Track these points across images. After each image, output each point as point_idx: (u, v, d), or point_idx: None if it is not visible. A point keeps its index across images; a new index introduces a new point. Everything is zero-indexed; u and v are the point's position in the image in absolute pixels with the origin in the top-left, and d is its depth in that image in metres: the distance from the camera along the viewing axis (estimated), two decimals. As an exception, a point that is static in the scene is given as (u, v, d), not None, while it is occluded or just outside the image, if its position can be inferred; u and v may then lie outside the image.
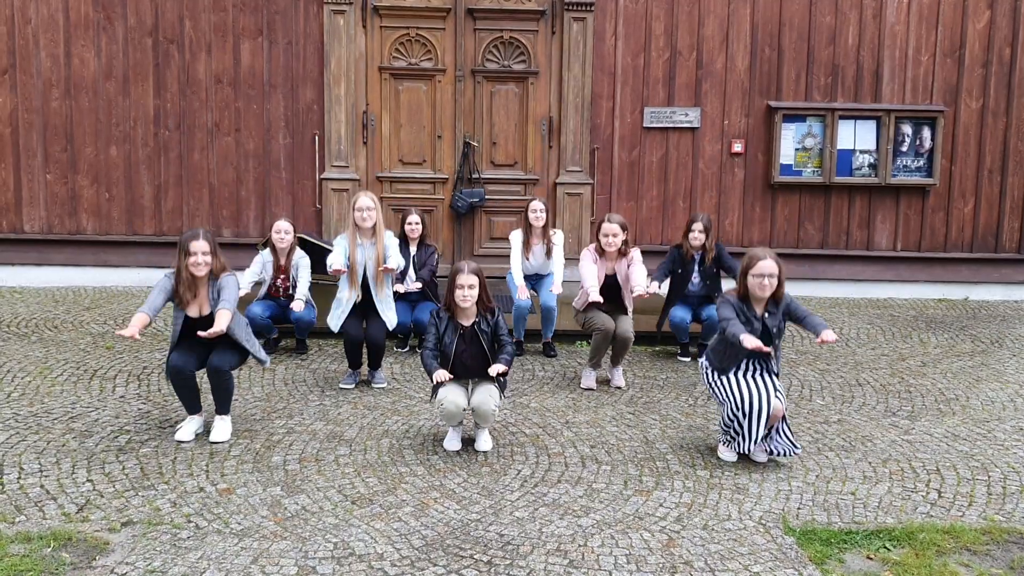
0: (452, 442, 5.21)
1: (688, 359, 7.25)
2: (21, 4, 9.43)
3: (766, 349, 4.75)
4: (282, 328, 7.23)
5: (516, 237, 7.33)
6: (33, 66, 9.51)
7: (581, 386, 6.49)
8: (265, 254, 7.05)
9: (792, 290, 9.60)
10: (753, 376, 4.99)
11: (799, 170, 9.86)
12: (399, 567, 3.82)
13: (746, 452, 5.06)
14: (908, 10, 9.77)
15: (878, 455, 5.26)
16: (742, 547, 4.09)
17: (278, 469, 4.84)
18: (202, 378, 5.52)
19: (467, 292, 5.08)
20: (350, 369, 6.40)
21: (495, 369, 5.04)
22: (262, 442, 5.22)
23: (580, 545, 4.07)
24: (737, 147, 9.76)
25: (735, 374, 5.00)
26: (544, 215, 7.26)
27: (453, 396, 5.06)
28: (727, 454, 5.11)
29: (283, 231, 6.96)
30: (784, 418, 5.04)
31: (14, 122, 9.57)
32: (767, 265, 4.87)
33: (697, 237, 7.15)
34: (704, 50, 9.74)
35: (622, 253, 6.44)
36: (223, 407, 5.31)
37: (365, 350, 6.37)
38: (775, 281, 4.90)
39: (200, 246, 5.01)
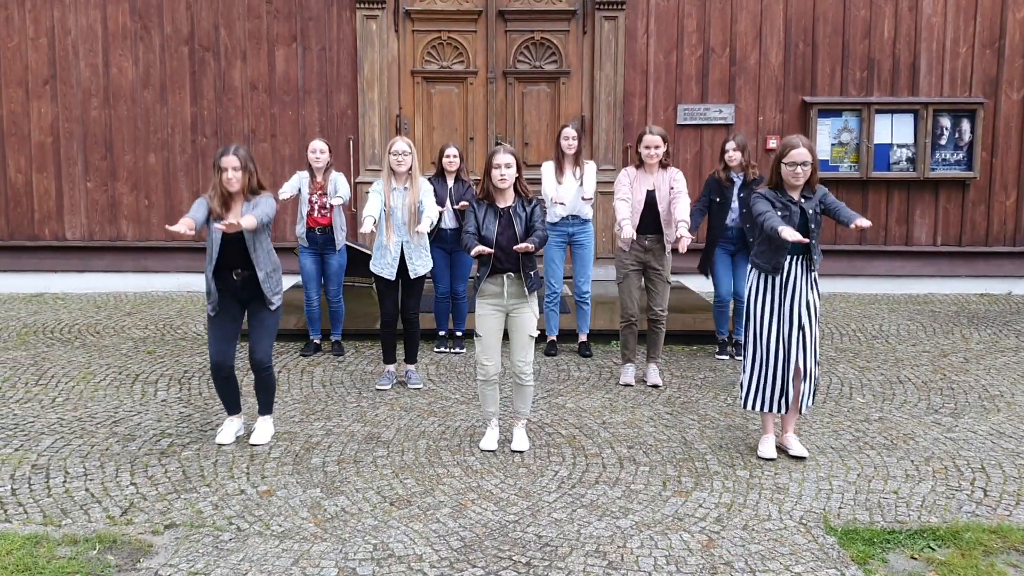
0: (489, 441, 5.21)
1: (726, 358, 7.18)
2: (61, 16, 9.61)
3: (805, 240, 4.71)
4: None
5: (548, 167, 7.09)
6: (73, 76, 9.68)
7: (620, 382, 6.47)
8: (303, 173, 7.15)
9: (830, 286, 9.60)
10: (789, 316, 4.95)
11: (835, 165, 9.76)
12: (438, 568, 3.83)
13: (745, 405, 5.14)
14: (945, 1, 9.63)
15: (921, 453, 5.18)
16: (783, 547, 4.05)
17: (317, 471, 4.88)
18: (242, 379, 5.58)
19: (504, 172, 5.08)
20: (386, 368, 6.44)
21: (522, 246, 5.00)
22: (301, 444, 5.26)
23: (619, 546, 4.05)
24: (772, 143, 9.67)
25: (769, 324, 4.97)
26: (576, 143, 6.98)
27: (490, 342, 5.16)
28: (767, 451, 5.06)
29: (318, 150, 7.05)
30: (809, 374, 5.03)
31: (55, 131, 9.75)
32: (800, 153, 4.84)
33: (732, 156, 6.88)
34: (737, 46, 9.68)
35: (663, 165, 6.36)
36: (266, 407, 5.36)
37: (401, 342, 6.41)
38: (808, 169, 4.87)
39: (230, 161, 5.01)
